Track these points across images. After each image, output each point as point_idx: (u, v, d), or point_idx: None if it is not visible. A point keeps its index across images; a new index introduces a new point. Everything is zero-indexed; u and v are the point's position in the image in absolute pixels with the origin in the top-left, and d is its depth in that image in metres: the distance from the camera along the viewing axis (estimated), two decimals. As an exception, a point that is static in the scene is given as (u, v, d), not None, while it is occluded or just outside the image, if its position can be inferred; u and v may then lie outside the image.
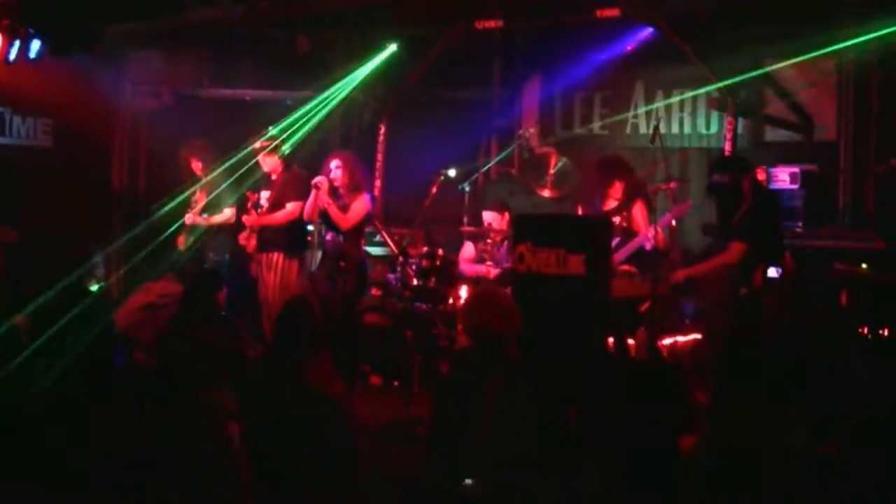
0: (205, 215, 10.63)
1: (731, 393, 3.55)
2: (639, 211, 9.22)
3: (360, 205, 9.45)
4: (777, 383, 3.45)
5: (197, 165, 10.74)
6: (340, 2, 10.72)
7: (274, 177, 9.93)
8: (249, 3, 10.09)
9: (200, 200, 10.69)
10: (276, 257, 9.71)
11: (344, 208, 9.39)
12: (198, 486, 4.41)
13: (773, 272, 7.69)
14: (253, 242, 9.89)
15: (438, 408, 5.50)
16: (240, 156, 10.42)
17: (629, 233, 9.06)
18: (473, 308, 5.86)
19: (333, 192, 9.40)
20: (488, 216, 10.28)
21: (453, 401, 5.30)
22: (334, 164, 9.46)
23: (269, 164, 9.92)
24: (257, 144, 9.94)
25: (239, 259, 10.48)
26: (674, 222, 9.19)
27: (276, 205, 9.84)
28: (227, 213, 10.64)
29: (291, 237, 9.87)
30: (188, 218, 10.59)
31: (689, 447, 3.85)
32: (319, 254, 9.68)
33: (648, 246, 8.77)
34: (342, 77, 11.51)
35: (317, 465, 4.94)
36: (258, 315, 9.63)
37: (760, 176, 9.62)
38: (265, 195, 9.90)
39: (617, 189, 9.23)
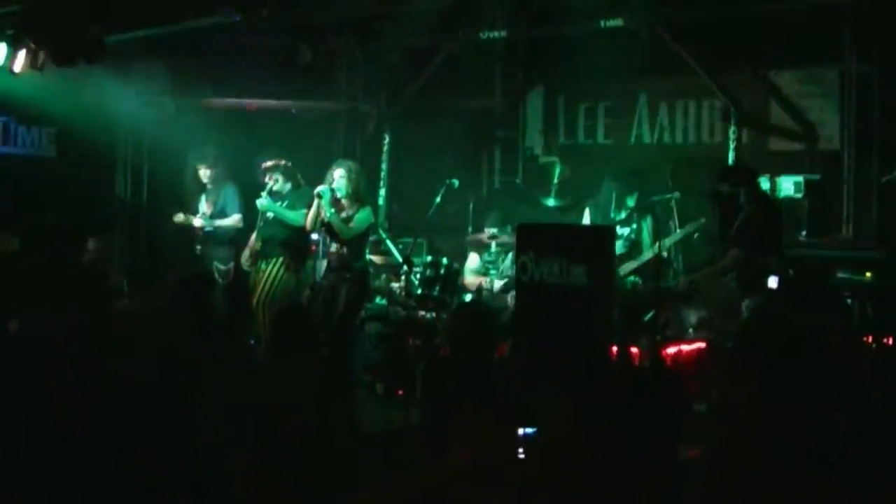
0: (214, 221, 10.67)
1: (738, 397, 3.54)
2: (648, 224, 9.24)
3: (363, 217, 9.46)
4: (786, 386, 3.45)
5: (205, 173, 10.72)
6: (342, 10, 10.73)
7: (283, 193, 9.96)
8: (250, 11, 10.08)
9: (207, 210, 10.70)
10: (275, 264, 9.76)
11: (346, 219, 9.39)
12: (198, 482, 4.41)
13: (772, 282, 7.70)
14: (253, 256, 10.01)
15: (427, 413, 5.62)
16: (245, 165, 10.49)
17: (636, 246, 9.09)
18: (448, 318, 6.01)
19: (335, 202, 9.41)
20: (489, 232, 10.30)
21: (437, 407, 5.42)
22: (338, 173, 9.46)
23: (276, 179, 9.96)
24: (267, 164, 9.97)
25: (242, 268, 10.51)
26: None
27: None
28: (236, 218, 10.66)
29: (293, 247, 9.90)
30: (196, 221, 10.62)
31: (693, 455, 3.84)
32: (324, 264, 9.68)
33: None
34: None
35: (313, 463, 4.97)
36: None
37: (764, 185, 9.65)
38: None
39: (631, 201, 9.26)
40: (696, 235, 9.07)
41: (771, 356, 3.71)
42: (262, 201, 9.85)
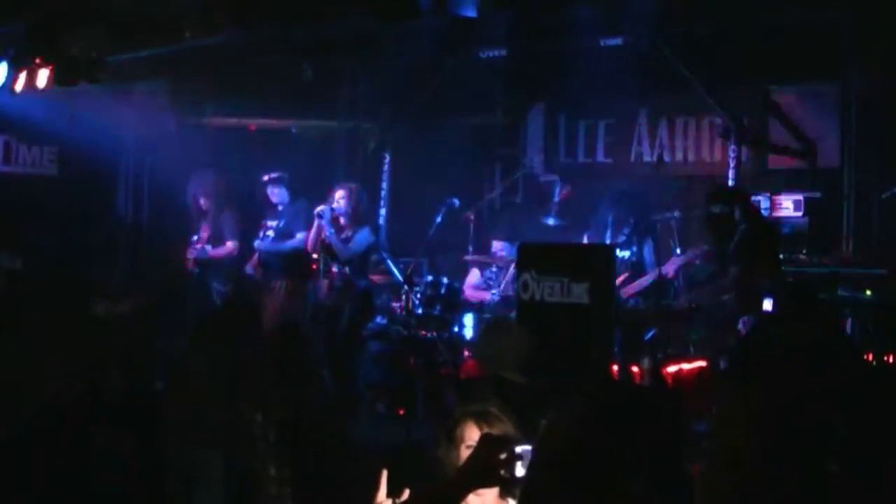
0: (208, 248, 10.64)
1: (737, 412, 3.54)
2: (648, 247, 9.24)
3: (362, 238, 9.48)
4: (784, 400, 3.45)
5: (205, 202, 10.68)
6: (343, 28, 10.75)
7: (280, 208, 9.98)
8: (252, 30, 10.12)
9: (204, 233, 10.68)
10: (279, 285, 9.78)
11: (346, 240, 9.41)
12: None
13: (767, 304, 7.70)
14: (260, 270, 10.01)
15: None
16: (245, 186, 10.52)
17: (638, 268, 9.09)
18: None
19: (335, 222, 9.43)
20: (497, 245, 10.30)
21: None
22: (339, 194, 9.48)
23: (277, 195, 9.98)
24: (266, 177, 10.00)
25: (240, 289, 10.51)
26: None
27: (283, 234, 9.91)
28: (230, 247, 10.65)
29: (296, 266, 9.91)
30: (191, 252, 10.59)
31: (695, 472, 3.83)
32: (325, 283, 9.68)
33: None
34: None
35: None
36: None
37: (764, 203, 9.65)
38: (272, 225, 9.94)
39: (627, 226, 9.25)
40: (697, 262, 9.07)
41: (768, 370, 3.72)
42: (259, 243, 9.92)
